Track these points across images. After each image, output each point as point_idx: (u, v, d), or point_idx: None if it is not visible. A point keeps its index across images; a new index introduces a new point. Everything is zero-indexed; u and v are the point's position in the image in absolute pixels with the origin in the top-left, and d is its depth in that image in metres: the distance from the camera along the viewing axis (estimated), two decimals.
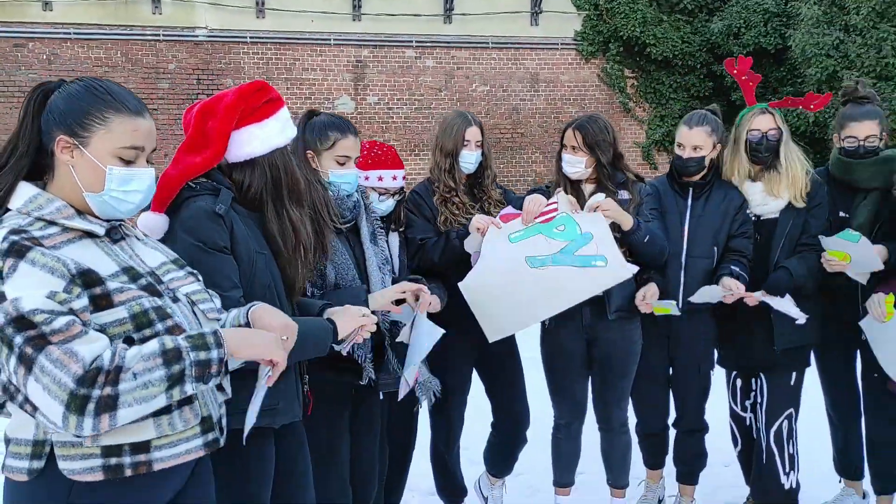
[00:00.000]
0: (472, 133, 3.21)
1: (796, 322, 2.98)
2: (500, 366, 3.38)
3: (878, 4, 9.21)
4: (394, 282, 2.82)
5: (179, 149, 2.08)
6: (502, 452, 3.52)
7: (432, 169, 3.29)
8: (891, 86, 9.09)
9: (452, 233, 3.10)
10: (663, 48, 13.00)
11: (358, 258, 2.68)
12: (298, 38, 12.23)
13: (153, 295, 1.60)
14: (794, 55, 10.68)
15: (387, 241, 3.07)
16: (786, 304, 2.98)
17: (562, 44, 13.49)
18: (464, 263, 3.07)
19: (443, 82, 13.05)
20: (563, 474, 3.46)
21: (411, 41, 12.75)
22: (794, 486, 3.25)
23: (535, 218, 2.99)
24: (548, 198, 3.07)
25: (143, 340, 1.54)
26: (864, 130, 3.15)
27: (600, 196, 3.00)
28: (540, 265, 2.97)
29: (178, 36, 11.75)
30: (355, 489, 2.72)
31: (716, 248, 3.16)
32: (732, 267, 3.07)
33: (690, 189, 3.24)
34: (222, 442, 1.74)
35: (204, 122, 2.06)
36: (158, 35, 11.62)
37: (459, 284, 2.96)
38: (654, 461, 3.59)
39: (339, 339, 2.06)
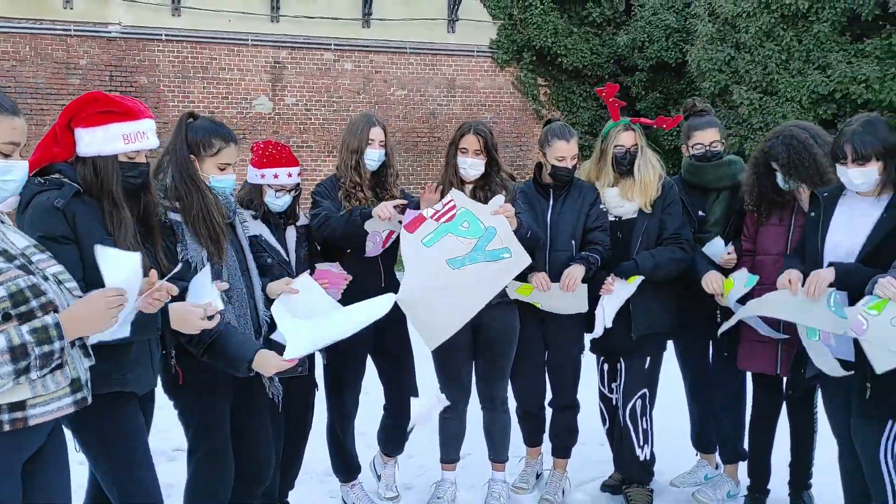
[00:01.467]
0: (376, 133, 3.51)
1: (596, 329, 3.44)
2: (393, 352, 3.66)
3: (765, 24, 9.92)
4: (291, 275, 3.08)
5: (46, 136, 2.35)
6: (394, 433, 3.79)
7: (339, 166, 3.55)
8: (775, 100, 9.81)
9: (356, 210, 3.37)
10: (573, 59, 13.57)
11: (238, 253, 2.85)
12: (215, 38, 12.23)
13: (27, 272, 1.83)
14: (691, 69, 11.35)
15: (284, 237, 3.32)
16: (610, 309, 3.40)
17: (477, 51, 13.91)
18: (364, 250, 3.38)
19: (361, 85, 13.26)
20: (450, 452, 3.76)
21: (330, 44, 12.92)
22: (647, 458, 3.64)
23: (438, 219, 3.26)
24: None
25: (20, 316, 1.78)
26: (708, 136, 3.61)
27: (500, 199, 3.31)
28: (460, 265, 3.23)
29: (91, 31, 11.59)
30: (250, 469, 2.92)
31: (574, 242, 3.52)
32: (583, 252, 3.45)
33: (551, 191, 3.60)
34: (90, 400, 1.99)
35: (68, 116, 2.33)
36: (69, 30, 11.44)
37: (396, 300, 3.14)
38: (532, 439, 3.93)
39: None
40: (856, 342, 2.77)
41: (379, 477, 3.94)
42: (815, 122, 9.45)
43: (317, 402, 3.59)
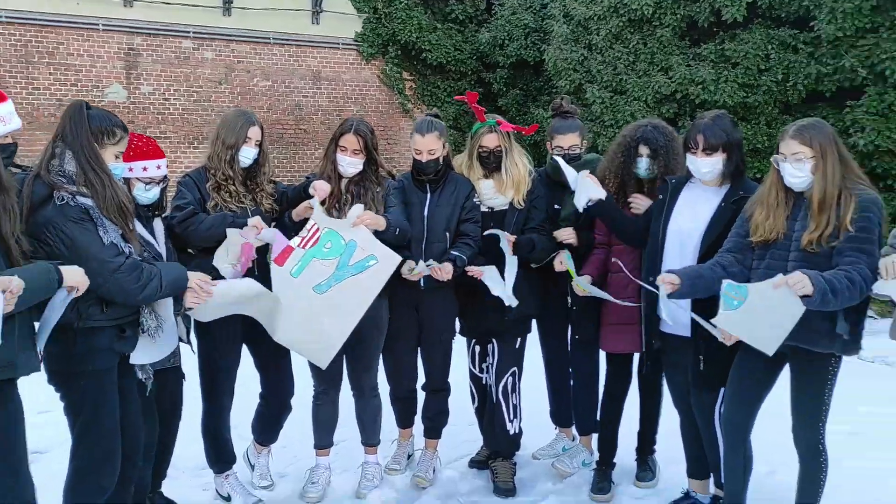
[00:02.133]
0: (254, 132, 3.57)
1: (507, 304, 3.61)
2: (269, 342, 3.71)
3: (614, 28, 10.56)
4: None
5: None
6: (269, 421, 3.85)
7: (211, 157, 3.56)
8: (624, 98, 10.47)
9: (230, 217, 3.40)
10: (437, 54, 13.84)
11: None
12: (62, 21, 11.53)
13: None
14: (548, 68, 11.89)
15: (153, 228, 3.30)
16: (499, 287, 3.59)
17: (343, 44, 13.89)
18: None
19: (223, 75, 12.92)
20: (323, 437, 3.87)
21: (189, 32, 12.49)
22: (517, 431, 3.91)
23: (305, 245, 3.35)
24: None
25: None
26: (567, 141, 3.89)
27: (358, 209, 3.43)
28: (326, 289, 3.35)
29: None
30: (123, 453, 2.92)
31: (448, 233, 3.72)
32: (452, 253, 3.64)
33: (427, 184, 3.77)
34: None
35: None
36: None
37: (277, 339, 3.33)
38: (405, 421, 4.10)
39: (68, 286, 2.43)
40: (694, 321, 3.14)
41: (253, 467, 3.98)
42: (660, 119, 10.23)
43: (188, 394, 3.60)
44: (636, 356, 3.79)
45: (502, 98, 13.79)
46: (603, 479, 3.84)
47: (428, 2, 14.06)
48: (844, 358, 2.96)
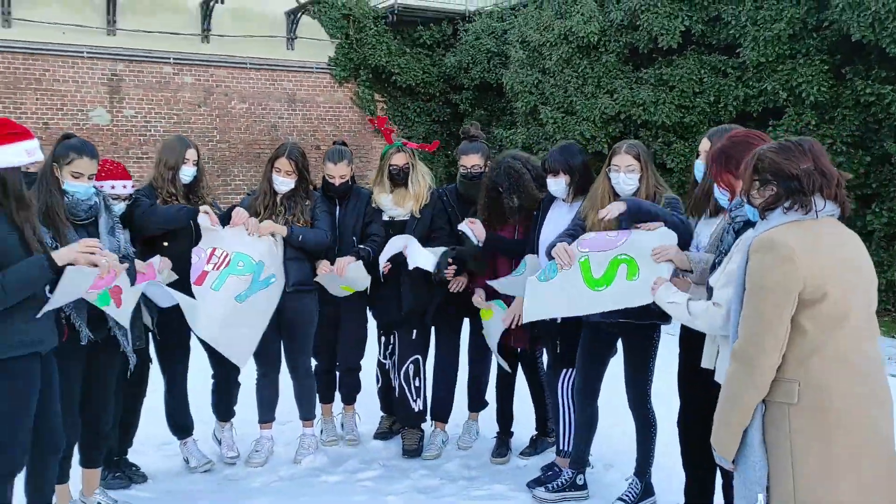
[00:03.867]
0: (191, 153, 4.26)
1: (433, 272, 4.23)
2: None
3: (565, 53, 11.36)
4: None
5: None
6: (222, 397, 4.56)
7: (156, 178, 4.26)
8: (574, 119, 11.24)
9: (184, 208, 4.10)
10: (407, 77, 14.65)
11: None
12: (49, 50, 12.26)
13: None
14: (507, 90, 12.70)
15: (122, 236, 4.00)
16: (421, 259, 4.21)
17: (317, 68, 14.68)
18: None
19: (202, 98, 13.66)
20: (265, 412, 4.58)
21: (169, 58, 13.24)
22: (421, 408, 4.63)
23: (218, 267, 4.14)
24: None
25: None
26: (471, 161, 4.53)
27: (266, 224, 4.20)
28: (245, 298, 4.20)
29: None
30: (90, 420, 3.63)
31: (355, 238, 4.46)
32: (358, 246, 4.38)
33: (337, 199, 4.52)
34: None
35: None
36: None
37: (199, 335, 4.19)
38: (325, 396, 4.81)
39: (61, 264, 2.93)
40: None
41: (220, 441, 4.63)
42: (607, 138, 11.01)
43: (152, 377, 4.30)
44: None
45: (468, 118, 14.57)
46: (501, 445, 4.58)
47: (397, 28, 14.88)
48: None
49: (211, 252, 4.15)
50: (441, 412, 4.67)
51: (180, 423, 4.44)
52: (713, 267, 2.91)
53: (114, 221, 3.72)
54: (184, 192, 4.26)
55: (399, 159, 4.52)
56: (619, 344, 3.83)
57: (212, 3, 13.30)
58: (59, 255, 2.93)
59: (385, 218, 4.53)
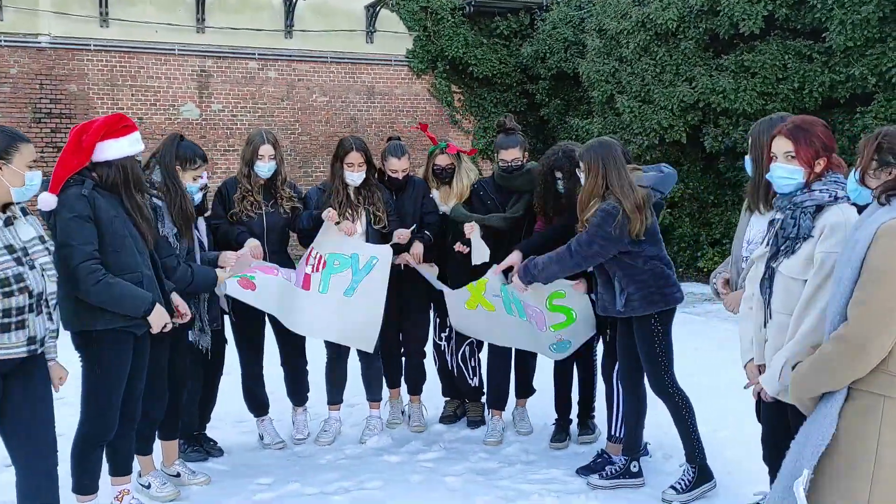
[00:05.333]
0: (265, 149, 4.39)
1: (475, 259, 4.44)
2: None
3: (642, 41, 11.19)
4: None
5: (63, 153, 3.24)
6: (293, 385, 4.78)
7: (238, 172, 4.49)
8: (651, 108, 11.06)
9: (241, 231, 4.37)
10: (483, 68, 14.71)
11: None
12: (143, 48, 12.92)
13: (18, 264, 2.72)
14: (583, 80, 12.60)
15: (198, 224, 4.28)
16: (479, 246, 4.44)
17: (395, 60, 14.91)
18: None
19: (285, 92, 14.10)
20: (334, 395, 4.80)
21: (254, 54, 13.73)
22: (478, 384, 4.86)
23: (317, 269, 4.36)
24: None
25: (6, 294, 2.67)
26: (510, 155, 4.52)
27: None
28: (352, 292, 4.38)
29: (21, 42, 12.15)
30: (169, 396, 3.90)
31: (416, 224, 4.64)
32: (421, 232, 4.62)
33: (394, 190, 4.71)
34: (39, 351, 2.85)
35: (79, 137, 3.23)
36: (0, 41, 11.99)
37: (314, 336, 4.59)
38: (392, 381, 4.99)
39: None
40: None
41: (294, 423, 4.84)
42: (685, 127, 10.81)
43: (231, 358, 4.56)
44: None
45: (545, 108, 14.55)
46: (560, 431, 4.65)
47: (474, 19, 14.95)
48: None
49: (309, 253, 4.38)
50: (498, 400, 4.76)
51: (257, 401, 4.69)
52: (775, 255, 2.73)
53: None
54: (261, 188, 4.43)
55: (442, 160, 4.73)
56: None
57: (294, 0, 13.70)
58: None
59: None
